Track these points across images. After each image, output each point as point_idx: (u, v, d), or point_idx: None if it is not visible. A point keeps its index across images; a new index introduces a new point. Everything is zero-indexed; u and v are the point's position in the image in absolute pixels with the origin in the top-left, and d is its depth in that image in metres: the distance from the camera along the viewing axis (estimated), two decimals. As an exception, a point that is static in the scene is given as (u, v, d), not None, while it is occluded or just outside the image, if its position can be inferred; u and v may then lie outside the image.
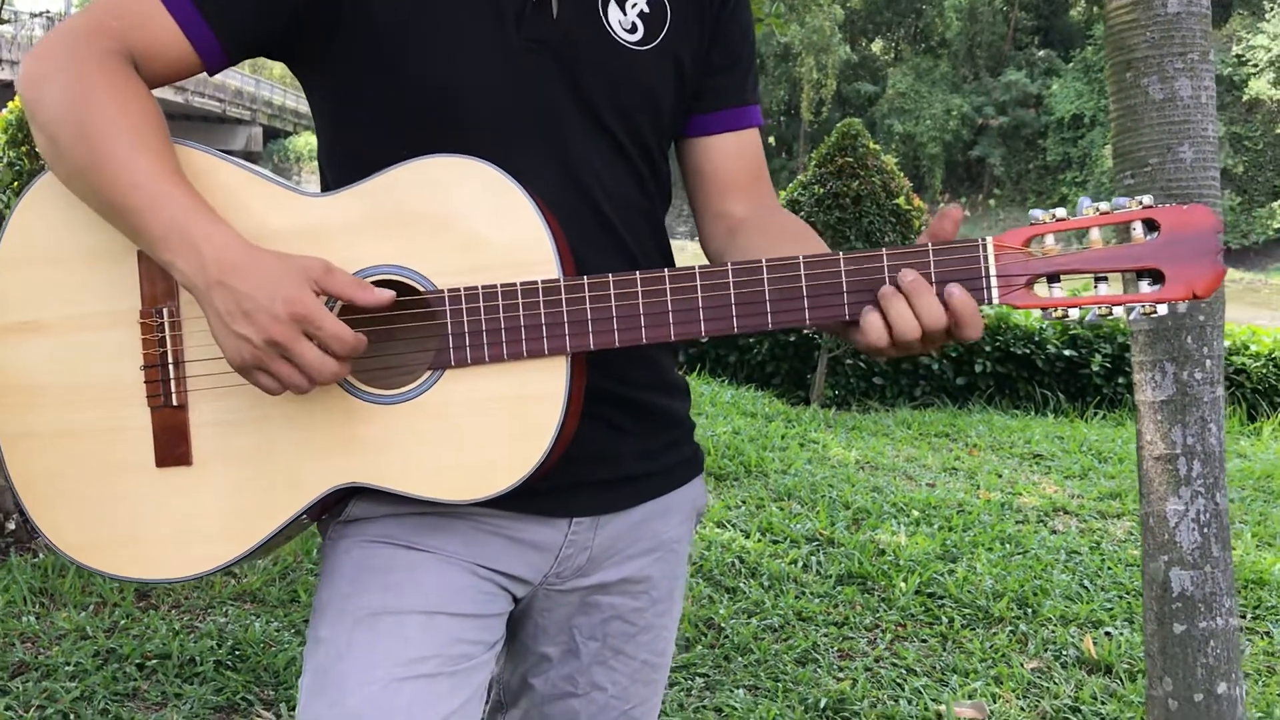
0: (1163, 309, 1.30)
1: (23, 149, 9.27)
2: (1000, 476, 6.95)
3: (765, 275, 1.35)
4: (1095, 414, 10.13)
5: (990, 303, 1.32)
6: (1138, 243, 1.30)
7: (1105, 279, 1.32)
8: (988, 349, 10.68)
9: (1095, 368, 10.53)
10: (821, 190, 10.09)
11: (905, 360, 10.77)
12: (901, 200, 10.11)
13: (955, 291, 1.31)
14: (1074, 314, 1.32)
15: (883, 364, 10.73)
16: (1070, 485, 6.79)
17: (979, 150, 54.12)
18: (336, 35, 1.43)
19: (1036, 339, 10.73)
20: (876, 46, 63.04)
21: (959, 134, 53.58)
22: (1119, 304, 1.31)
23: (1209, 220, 1.29)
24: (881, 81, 57.52)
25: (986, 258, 1.32)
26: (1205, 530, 2.38)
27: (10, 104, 9.30)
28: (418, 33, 1.42)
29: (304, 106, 56.58)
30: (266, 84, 55.09)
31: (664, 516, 1.63)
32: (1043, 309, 1.33)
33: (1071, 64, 53.42)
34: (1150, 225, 1.30)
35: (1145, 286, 1.31)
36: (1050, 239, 1.32)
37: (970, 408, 10.35)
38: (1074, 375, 10.70)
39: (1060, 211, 1.31)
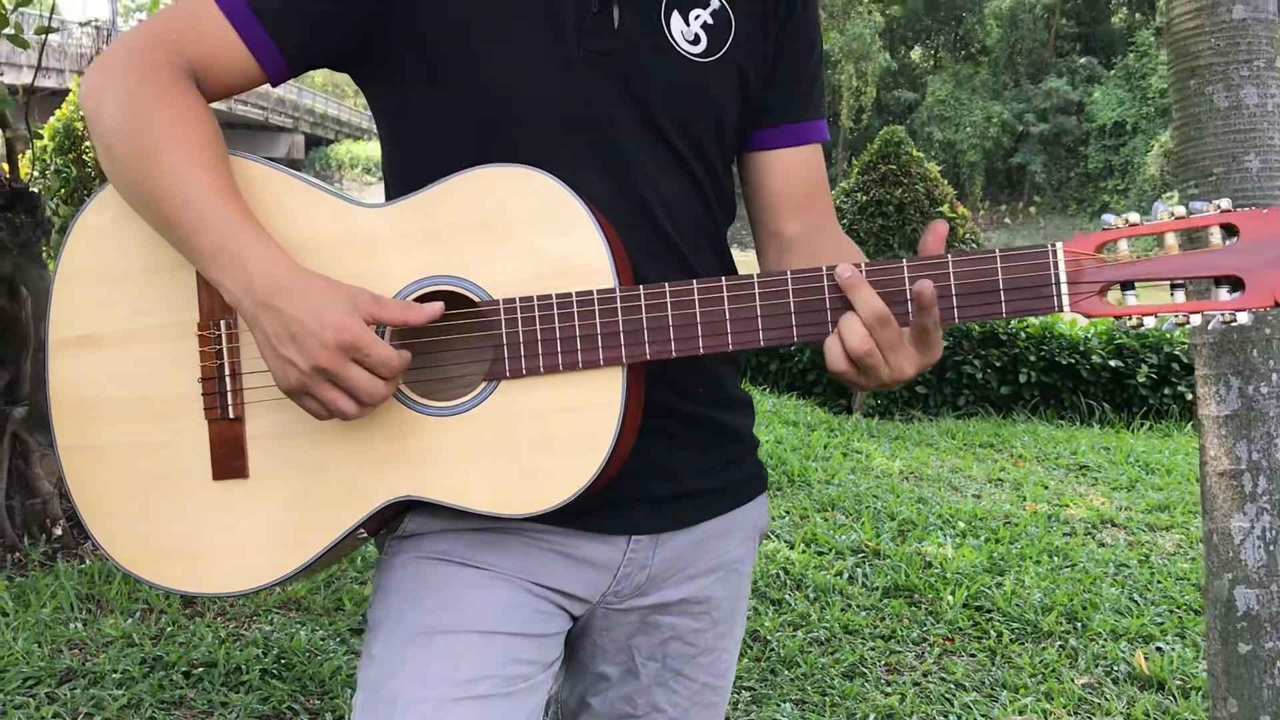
0: (1243, 317, 1.25)
1: (70, 156, 9.37)
2: (1046, 488, 6.87)
3: (825, 283, 1.32)
4: (1142, 425, 10.00)
5: (1061, 310, 1.28)
6: (1216, 248, 1.25)
7: (1182, 286, 1.27)
8: (1032, 358, 10.57)
9: (1141, 378, 10.40)
10: (865, 198, 10.05)
11: (949, 369, 10.68)
12: (945, 208, 10.05)
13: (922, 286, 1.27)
14: (1149, 323, 1.28)
15: (926, 373, 10.63)
16: (1118, 497, 6.70)
17: (1020, 158, 53.74)
18: (395, 46, 1.42)
19: (1081, 349, 10.60)
20: (916, 54, 62.79)
21: (999, 141, 53.24)
22: (1197, 312, 1.26)
23: None
24: (921, 89, 57.27)
25: (1056, 264, 1.28)
26: (1271, 548, 2.33)
27: (58, 111, 9.41)
28: (474, 43, 1.40)
29: (345, 114, 57.14)
30: (309, 92, 55.53)
31: (726, 535, 1.60)
32: (1116, 318, 1.28)
33: (1113, 71, 52.97)
34: (1229, 230, 1.26)
35: (1224, 294, 1.26)
36: (1124, 244, 1.27)
37: (1015, 418, 10.24)
38: (1120, 385, 10.57)
39: (1134, 216, 1.27)
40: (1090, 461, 7.75)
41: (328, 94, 60.07)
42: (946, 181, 10.64)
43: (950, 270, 1.30)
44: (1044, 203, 53.80)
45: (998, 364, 10.58)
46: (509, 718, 1.41)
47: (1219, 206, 1.26)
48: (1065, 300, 1.28)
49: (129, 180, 1.35)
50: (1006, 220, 53.02)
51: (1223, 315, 1.26)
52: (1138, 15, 56.67)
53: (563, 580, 1.49)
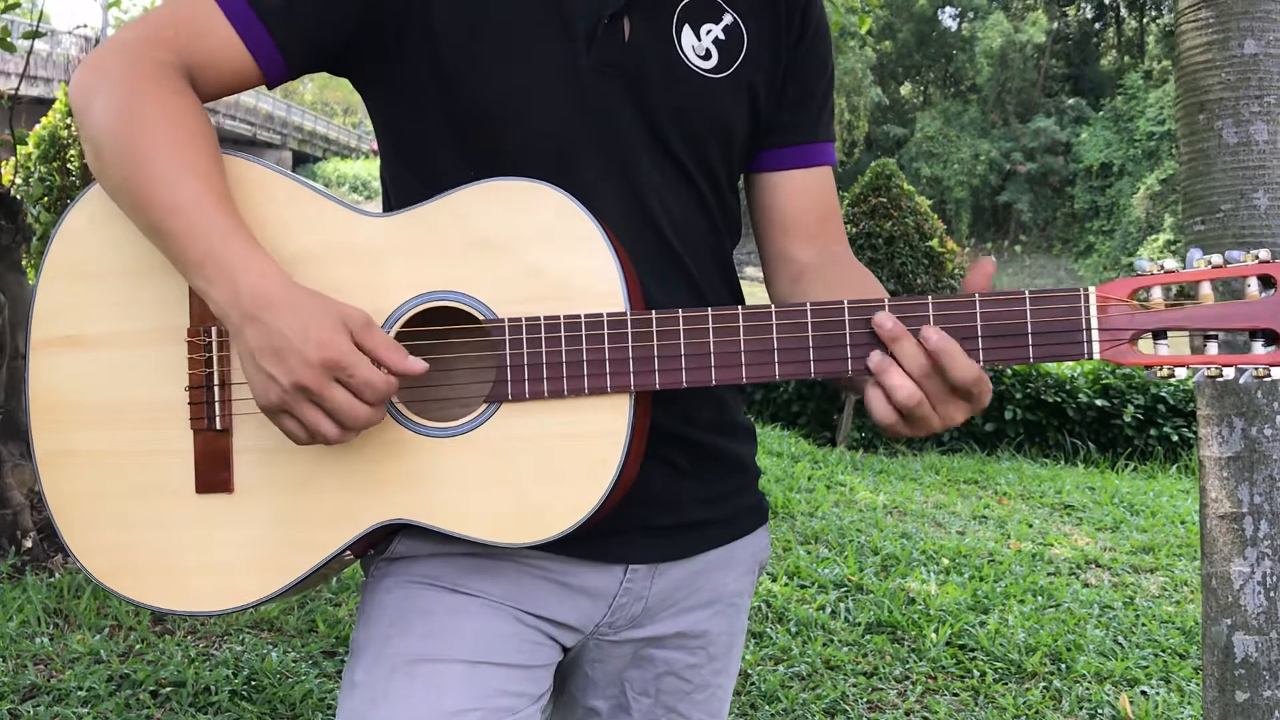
0: (1278, 373, 1.21)
1: (54, 164, 9.30)
2: (1031, 526, 6.83)
3: (847, 317, 1.26)
4: (1127, 465, 9.99)
5: (1091, 357, 1.23)
6: (1253, 300, 1.21)
7: (1214, 337, 1.22)
8: (1018, 395, 10.57)
9: (1127, 418, 10.39)
10: (854, 230, 10.05)
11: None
12: (935, 242, 10.05)
13: (931, 335, 1.22)
14: (1181, 374, 1.23)
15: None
16: (1103, 538, 6.66)
17: (1006, 196, 53.99)
18: (398, 49, 1.38)
19: (1068, 387, 10.61)
20: (906, 89, 63.12)
21: (986, 179, 53.49)
22: (1231, 365, 1.21)
23: None
24: (910, 125, 57.56)
25: (1088, 309, 1.23)
26: (1272, 594, 2.28)
27: (43, 119, 9.34)
28: (481, 50, 1.36)
29: (334, 132, 57.22)
30: (298, 109, 55.57)
31: (725, 568, 1.55)
32: (1147, 367, 1.23)
33: (1101, 112, 53.33)
34: (1266, 282, 1.21)
35: (1259, 348, 1.21)
36: (1157, 291, 1.23)
37: (999, 455, 10.23)
38: (1105, 425, 10.57)
39: (1169, 263, 1.22)
40: (1075, 501, 7.73)
41: (316, 112, 60.10)
42: (936, 216, 10.64)
43: (977, 311, 1.25)
44: (1030, 241, 54.05)
45: (982, 400, 10.54)
46: None
47: (1257, 257, 1.21)
48: (1096, 348, 1.23)
49: (117, 182, 1.30)
50: (992, 258, 53.15)
51: (1256, 369, 1.22)
52: (1127, 58, 57.15)
53: (555, 609, 1.43)
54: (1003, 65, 55.90)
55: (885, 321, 1.23)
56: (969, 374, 1.21)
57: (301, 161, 54.95)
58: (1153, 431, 10.41)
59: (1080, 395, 10.55)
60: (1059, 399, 10.55)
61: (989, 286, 1.26)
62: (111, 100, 1.29)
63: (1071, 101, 55.49)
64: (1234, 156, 2.25)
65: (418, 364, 1.25)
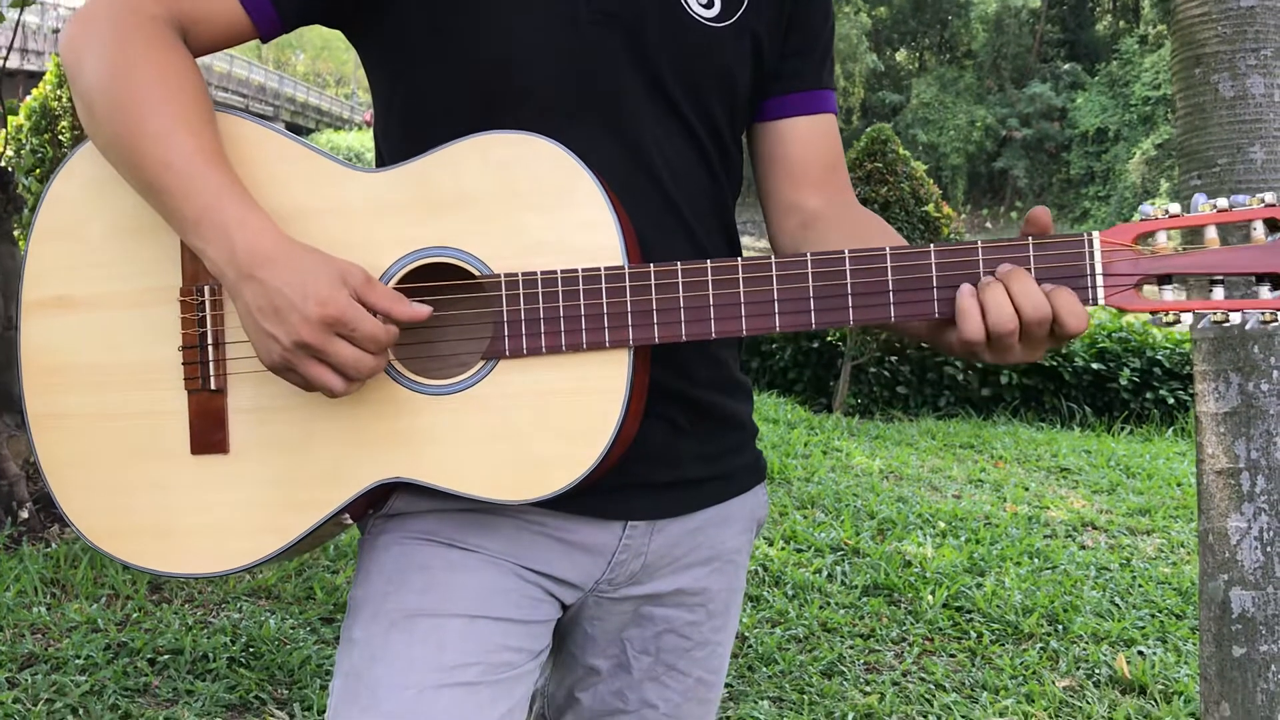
0: None
1: (45, 136, 9.26)
2: (1027, 490, 6.84)
3: (848, 267, 1.25)
4: (1123, 428, 10.01)
5: (1095, 303, 1.22)
6: (1259, 244, 1.19)
7: (1221, 282, 1.21)
8: (1013, 360, 10.56)
9: (1123, 381, 10.40)
10: (849, 196, 10.01)
11: (929, 370, 10.67)
12: (930, 208, 10.01)
13: (1049, 286, 1.22)
14: (1186, 319, 1.21)
15: (907, 373, 10.62)
16: (1099, 500, 6.67)
17: (1002, 162, 53.91)
18: (393, 1, 1.35)
19: (1064, 351, 10.61)
20: (901, 56, 62.86)
21: (982, 145, 53.40)
22: (1237, 309, 1.20)
23: None
24: (906, 91, 57.38)
25: (1093, 254, 1.22)
26: (1269, 549, 2.27)
27: (35, 90, 9.30)
28: (478, 1, 1.34)
29: (326, 104, 56.98)
30: (290, 80, 55.31)
31: (723, 525, 1.54)
32: (1152, 313, 1.22)
33: (1096, 78, 53.18)
34: (1273, 225, 1.19)
35: (1266, 292, 1.20)
36: (1162, 236, 1.21)
37: (995, 419, 10.24)
38: (1101, 389, 10.58)
39: (1174, 207, 1.21)
40: (1071, 464, 7.74)
41: (309, 83, 59.81)
42: (932, 181, 10.61)
43: (980, 258, 1.24)
44: (1025, 207, 53.84)
45: (979, 365, 10.57)
46: (495, 706, 1.35)
47: (1263, 200, 1.19)
48: (1100, 293, 1.22)
49: (109, 139, 1.28)
50: (988, 224, 53.22)
51: (1263, 314, 1.20)
52: (1122, 23, 56.92)
53: (554, 565, 1.43)
54: (998, 30, 55.73)
55: (1005, 265, 1.23)
56: (1080, 321, 1.21)
57: (294, 133, 54.63)
58: (1149, 394, 10.43)
59: (1076, 359, 10.56)
60: (1055, 363, 10.55)
61: (1051, 229, 1.25)
62: (103, 56, 1.27)
63: (1067, 67, 55.32)
64: (1230, 110, 2.23)
65: (422, 309, 1.24)
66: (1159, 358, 10.52)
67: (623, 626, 1.52)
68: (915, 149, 49.45)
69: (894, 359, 10.75)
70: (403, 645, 1.33)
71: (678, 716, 1.55)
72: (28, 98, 9.37)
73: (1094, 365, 10.54)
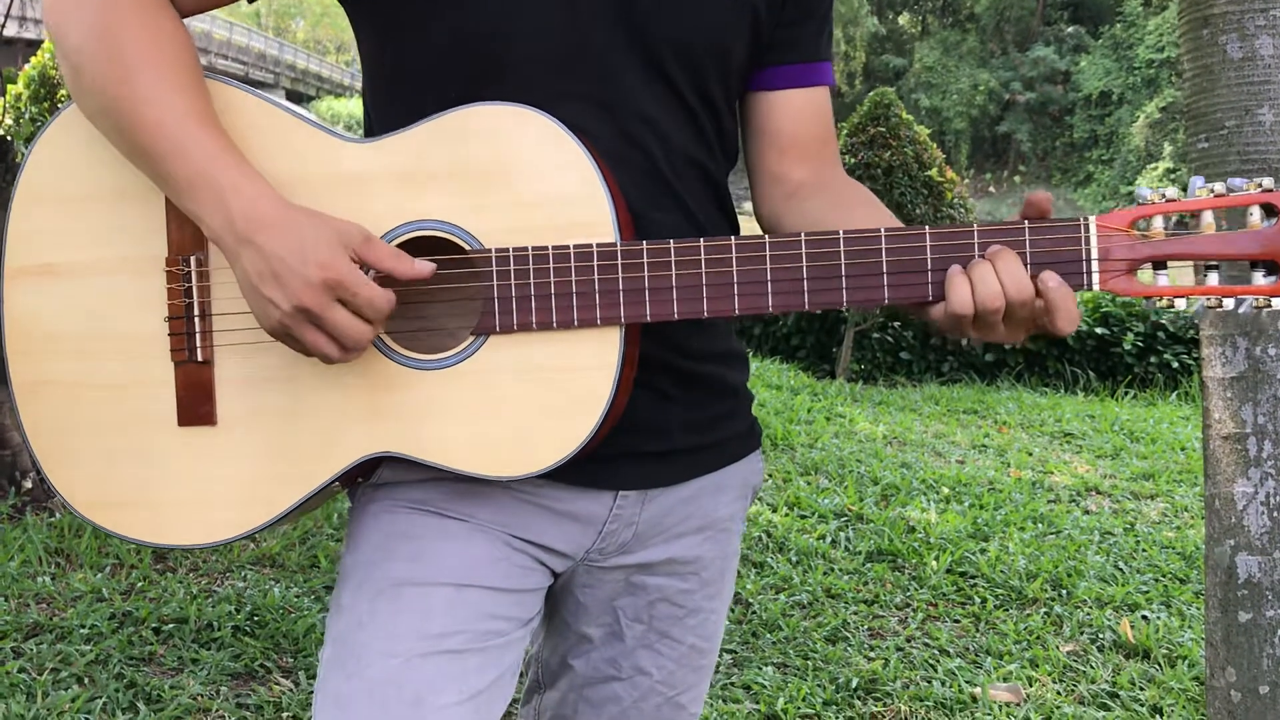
0: (1278, 303, 1.18)
1: (45, 105, 9.23)
2: (1031, 455, 6.84)
3: (842, 248, 1.24)
4: (1126, 393, 10.00)
5: (1090, 288, 1.21)
6: (1255, 229, 1.18)
7: (1215, 267, 1.20)
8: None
9: (1127, 346, 10.40)
10: (853, 160, 9.96)
11: (933, 335, 10.66)
12: (934, 172, 9.97)
13: (1051, 281, 1.21)
14: (1180, 304, 1.21)
15: (910, 338, 10.62)
16: (1102, 465, 6.67)
17: (1006, 126, 53.68)
18: None
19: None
20: (903, 20, 62.51)
21: (986, 109, 53.14)
22: (1231, 296, 1.19)
23: None
24: (908, 55, 57.09)
25: (1088, 239, 1.21)
26: (1275, 514, 2.26)
27: (33, 59, 9.26)
28: None
29: (326, 71, 56.79)
30: (290, 47, 55.09)
31: (716, 494, 1.53)
32: (1146, 298, 1.21)
33: (1100, 40, 52.85)
34: (1270, 211, 1.18)
35: (1260, 278, 1.19)
36: (1158, 221, 1.20)
37: (999, 385, 10.24)
38: (1105, 354, 10.57)
39: (1170, 191, 1.20)
40: (1075, 429, 7.74)
41: (309, 50, 59.54)
42: (935, 146, 10.56)
43: (975, 241, 1.23)
44: (1029, 172, 53.80)
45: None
46: (483, 674, 1.34)
47: (1260, 185, 1.18)
48: (1095, 278, 1.22)
49: (99, 103, 1.25)
50: (991, 189, 53.09)
51: (1256, 300, 1.20)
52: (1126, -15, 56.53)
53: (544, 534, 1.41)
54: (1001, -7, 55.36)
55: (995, 245, 1.23)
56: (1071, 324, 1.22)
57: (295, 100, 54.51)
58: (1152, 359, 10.42)
59: (1080, 324, 10.53)
60: (1059, 328, 10.53)
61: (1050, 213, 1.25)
62: (90, 19, 1.25)
63: (1070, 29, 54.95)
64: (1238, 72, 2.20)
65: (425, 266, 1.23)
66: (1163, 321, 10.50)
67: (615, 595, 1.51)
68: (918, 113, 49.26)
69: (897, 324, 10.74)
70: (389, 613, 1.32)
71: (671, 683, 1.55)
72: (26, 66, 9.34)
73: (1098, 330, 10.53)
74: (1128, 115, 48.55)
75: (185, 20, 1.34)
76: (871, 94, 10.56)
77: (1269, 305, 1.20)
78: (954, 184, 10.27)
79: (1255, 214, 1.19)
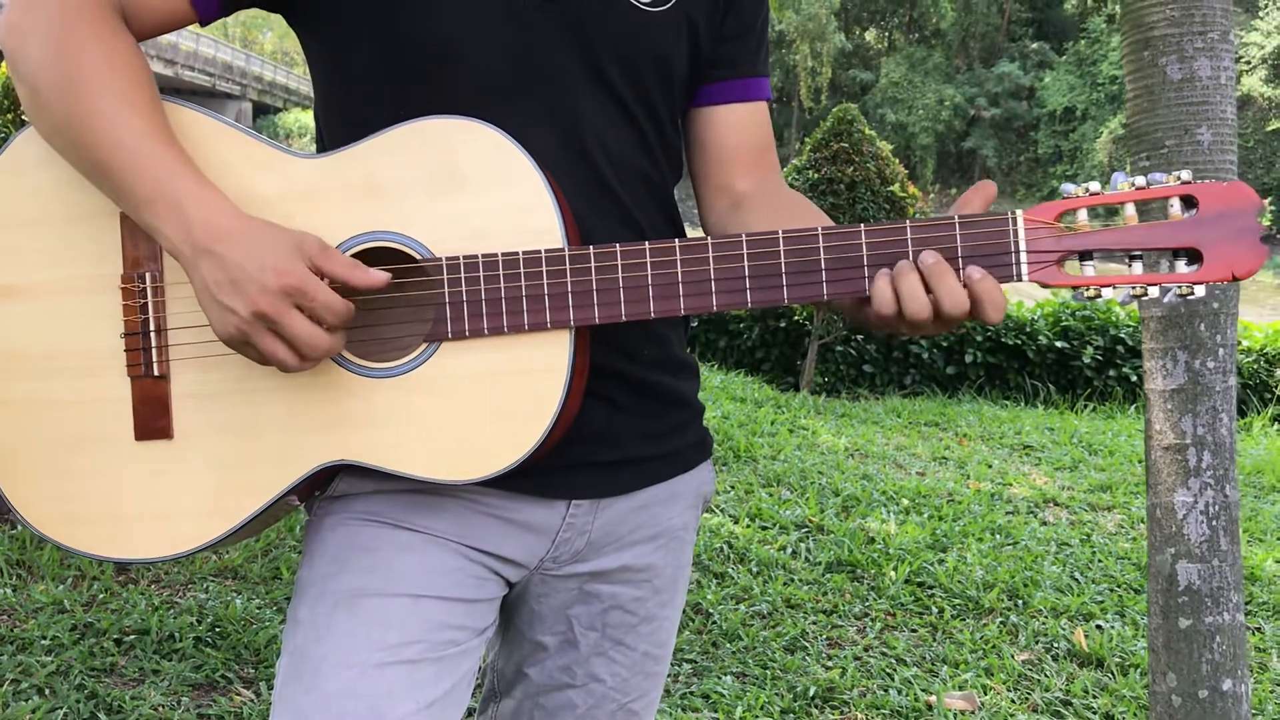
0: (1200, 290, 1.24)
1: (9, 117, 9.17)
2: (990, 467, 6.91)
3: (782, 247, 1.28)
4: (1086, 406, 10.11)
5: (1020, 279, 1.26)
6: (1175, 220, 1.24)
7: (1140, 258, 1.26)
8: (979, 339, 10.66)
9: (1087, 359, 10.51)
10: (816, 175, 10.03)
11: (896, 349, 10.75)
12: (896, 187, 10.05)
13: (976, 274, 1.25)
14: (1107, 293, 1.26)
15: (873, 351, 10.70)
16: (1061, 477, 6.75)
17: (971, 141, 54.08)
18: None
19: (1028, 329, 10.70)
20: (870, 35, 62.88)
21: (951, 124, 53.52)
22: (1154, 284, 1.25)
23: (1250, 198, 1.23)
24: (875, 70, 57.41)
25: (1017, 233, 1.26)
26: (1214, 523, 2.32)
27: (-3, 70, 9.20)
28: None
29: (294, 83, 56.51)
30: (257, 59, 54.83)
31: (668, 503, 1.56)
32: (1074, 288, 1.26)
33: (1064, 57, 53.35)
34: (1188, 202, 1.24)
35: (1182, 267, 1.25)
36: (1083, 214, 1.26)
37: (960, 397, 10.33)
38: (1065, 367, 10.68)
39: (1094, 185, 1.26)
40: (1034, 441, 7.81)
41: (276, 62, 59.29)
42: (898, 161, 10.65)
43: (908, 237, 1.27)
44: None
45: (944, 344, 10.66)
46: (438, 683, 1.37)
47: (1179, 178, 1.24)
48: (1025, 270, 1.26)
49: (57, 123, 1.28)
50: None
51: (1179, 288, 1.25)
52: (1090, 1, 57.05)
53: (498, 544, 1.44)
54: (966, 9, 55.81)
55: (929, 258, 1.27)
56: (998, 313, 1.27)
57: (262, 112, 54.30)
58: (1111, 372, 10.54)
59: (1040, 337, 10.65)
60: (1019, 341, 10.64)
61: (987, 209, 1.29)
62: (47, 40, 1.27)
63: (1035, 46, 55.46)
64: (1178, 93, 2.27)
65: (380, 275, 1.25)
66: (1122, 335, 10.62)
67: (569, 603, 1.54)
68: (884, 128, 49.58)
69: (860, 338, 10.81)
70: (346, 625, 1.34)
71: (625, 690, 1.58)
72: (-10, 77, 9.28)
73: (1058, 343, 10.64)
74: (1091, 131, 49.00)
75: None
76: (835, 110, 10.63)
77: (1192, 293, 1.25)
78: (916, 199, 10.35)
79: (1176, 205, 1.24)
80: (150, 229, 1.26)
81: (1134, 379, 10.45)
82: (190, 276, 1.25)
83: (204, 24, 1.39)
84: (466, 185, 1.29)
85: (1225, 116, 2.28)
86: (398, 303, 1.33)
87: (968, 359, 10.61)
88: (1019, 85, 53.57)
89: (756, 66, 1.56)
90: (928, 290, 1.25)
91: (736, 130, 1.56)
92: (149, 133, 1.26)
